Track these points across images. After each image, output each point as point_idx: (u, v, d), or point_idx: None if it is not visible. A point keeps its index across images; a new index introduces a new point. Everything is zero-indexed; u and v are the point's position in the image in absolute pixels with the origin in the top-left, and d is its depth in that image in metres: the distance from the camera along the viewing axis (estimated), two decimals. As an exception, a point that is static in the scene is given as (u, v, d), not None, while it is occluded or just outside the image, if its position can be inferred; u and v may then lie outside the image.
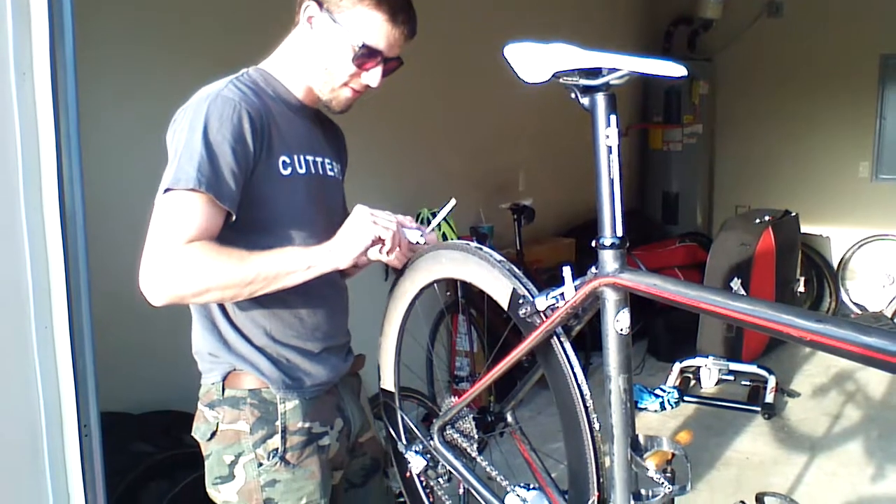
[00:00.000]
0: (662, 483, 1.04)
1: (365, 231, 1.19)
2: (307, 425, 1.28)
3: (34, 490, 1.39)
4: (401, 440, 1.50)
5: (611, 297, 1.02)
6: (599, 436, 1.06)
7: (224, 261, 1.12)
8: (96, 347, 1.42)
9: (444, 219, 3.13)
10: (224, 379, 1.27)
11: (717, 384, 3.93)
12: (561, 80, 1.02)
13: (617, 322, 1.02)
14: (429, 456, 1.43)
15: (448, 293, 3.34)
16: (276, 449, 1.25)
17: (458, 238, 2.87)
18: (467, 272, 1.25)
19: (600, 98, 1.00)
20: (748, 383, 3.86)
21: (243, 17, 2.54)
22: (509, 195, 3.95)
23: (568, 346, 1.09)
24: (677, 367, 3.94)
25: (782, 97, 5.47)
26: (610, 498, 1.06)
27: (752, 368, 3.90)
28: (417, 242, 1.29)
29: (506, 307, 1.17)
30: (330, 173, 1.36)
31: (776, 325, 0.81)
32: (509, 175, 4.28)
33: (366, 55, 1.23)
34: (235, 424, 1.26)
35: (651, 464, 1.04)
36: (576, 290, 1.06)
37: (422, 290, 1.37)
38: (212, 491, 1.30)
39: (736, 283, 4.00)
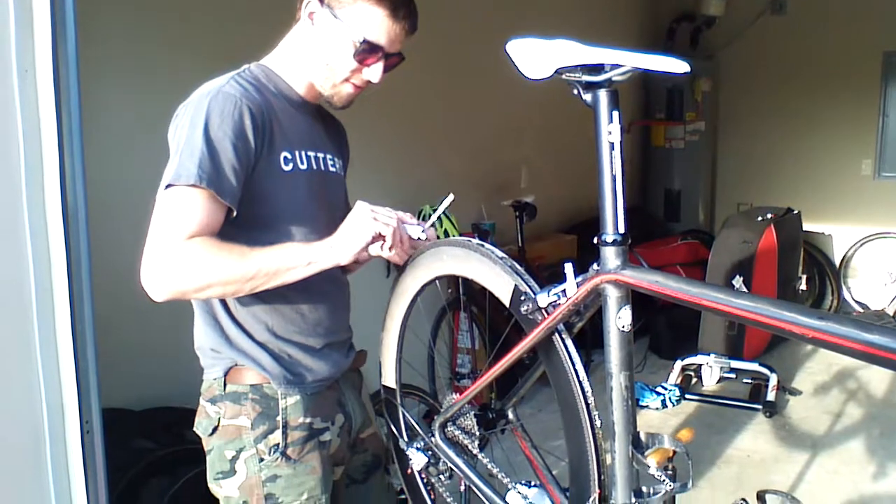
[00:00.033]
0: (663, 480, 1.04)
1: (365, 227, 1.19)
2: (308, 421, 1.29)
3: (36, 486, 1.39)
4: (402, 437, 1.50)
5: (613, 294, 1.02)
6: (601, 433, 1.06)
7: (225, 257, 1.12)
8: (98, 344, 1.43)
9: (446, 215, 3.16)
10: (226, 374, 1.27)
11: (718, 382, 3.93)
12: (563, 77, 1.02)
13: (619, 319, 1.02)
14: (430, 453, 1.43)
15: (450, 290, 3.34)
16: (277, 444, 1.26)
17: (460, 235, 2.87)
18: (469, 269, 1.25)
19: (603, 94, 0.99)
20: (750, 381, 3.85)
21: (244, 14, 2.54)
22: (511, 192, 3.95)
23: (569, 342, 1.09)
24: (679, 364, 3.94)
25: (785, 94, 5.45)
26: (611, 495, 1.06)
27: (754, 366, 3.89)
28: (419, 238, 1.29)
29: (507, 304, 1.17)
30: (332, 169, 1.36)
31: (779, 323, 0.81)
32: (511, 172, 4.28)
33: (367, 50, 1.23)
34: (237, 420, 1.26)
35: (652, 461, 1.04)
36: (577, 286, 1.06)
37: (423, 286, 1.37)
38: (213, 486, 1.30)
39: (738, 281, 3.99)
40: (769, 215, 4.28)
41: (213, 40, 2.44)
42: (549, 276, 3.37)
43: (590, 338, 3.41)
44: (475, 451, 1.38)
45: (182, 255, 1.11)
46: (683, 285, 0.94)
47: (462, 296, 3.28)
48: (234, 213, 1.18)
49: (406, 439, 1.49)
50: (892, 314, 4.86)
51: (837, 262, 5.31)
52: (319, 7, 1.23)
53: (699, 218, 5.69)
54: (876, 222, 5.21)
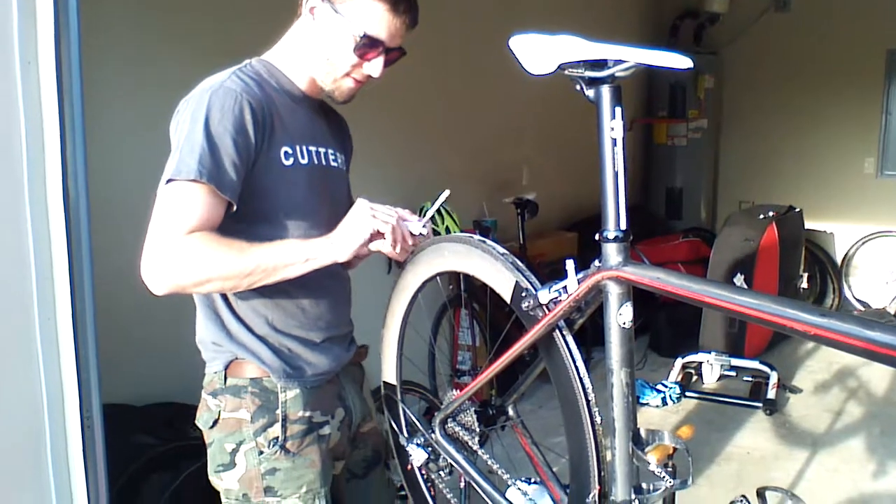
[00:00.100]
0: (663, 477, 1.04)
1: (364, 225, 1.19)
2: (308, 414, 1.29)
3: (37, 480, 1.39)
4: (402, 433, 1.50)
5: (614, 291, 1.02)
6: (601, 430, 1.06)
7: (224, 252, 1.13)
8: (99, 339, 1.43)
9: (448, 212, 3.15)
10: (226, 368, 1.28)
11: (718, 380, 3.93)
12: (566, 72, 1.02)
13: (620, 316, 1.02)
14: (430, 449, 1.43)
15: (451, 287, 3.34)
16: (277, 437, 1.26)
17: (462, 231, 2.87)
18: (470, 265, 1.24)
19: (605, 90, 0.99)
20: (750, 379, 3.86)
21: (246, 9, 2.54)
22: (513, 189, 3.94)
23: (570, 339, 1.09)
24: (679, 362, 3.94)
25: (788, 92, 5.44)
26: (611, 492, 1.06)
27: (755, 364, 3.89)
28: (420, 235, 1.29)
29: (508, 300, 1.17)
30: (333, 164, 1.36)
31: (781, 320, 0.80)
32: (513, 169, 4.27)
33: (367, 45, 1.23)
34: (237, 413, 1.27)
35: (652, 458, 1.04)
36: (579, 283, 1.06)
37: (424, 283, 1.37)
38: (214, 479, 1.30)
39: (739, 279, 3.99)
40: (771, 213, 4.27)
41: (216, 35, 2.44)
42: (549, 274, 3.36)
43: (590, 335, 3.41)
44: (475, 448, 1.38)
45: (182, 249, 1.11)
46: (685, 282, 0.93)
47: (463, 292, 3.28)
48: (235, 208, 1.18)
49: (406, 435, 1.49)
50: (893, 313, 4.86)
51: (839, 261, 5.30)
52: (320, 2, 1.23)
53: (701, 216, 5.68)
54: (878, 221, 5.20)
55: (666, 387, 3.68)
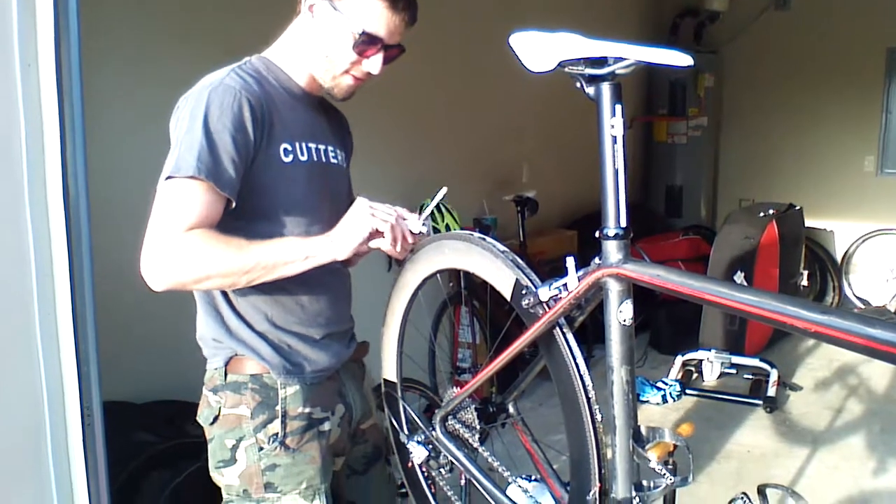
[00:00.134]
0: (664, 474, 1.04)
1: (363, 223, 1.19)
2: (308, 410, 1.29)
3: (37, 477, 1.39)
4: (403, 430, 1.50)
5: (614, 288, 1.02)
6: (601, 427, 1.06)
7: (223, 249, 1.13)
8: (99, 337, 1.43)
9: (448, 209, 3.15)
10: (226, 364, 1.28)
11: (719, 377, 3.93)
12: (566, 70, 1.02)
13: (620, 313, 1.02)
14: (431, 446, 1.43)
15: (451, 284, 3.34)
16: (276, 434, 1.26)
17: (462, 229, 2.87)
18: (470, 262, 1.24)
19: (606, 87, 0.99)
20: (750, 377, 3.86)
21: (246, 6, 2.53)
22: (513, 187, 3.94)
23: (570, 336, 1.09)
24: (679, 360, 3.94)
25: (788, 90, 5.44)
26: (611, 489, 1.06)
27: (755, 362, 3.89)
28: (420, 233, 1.29)
29: (508, 298, 1.17)
30: (333, 161, 1.36)
31: (782, 317, 0.80)
32: (513, 167, 4.27)
33: (366, 42, 1.23)
34: (237, 409, 1.27)
35: (653, 455, 1.04)
36: (579, 280, 1.06)
37: (424, 280, 1.37)
38: (214, 475, 1.31)
39: (739, 277, 3.99)
40: (771, 211, 4.27)
41: (216, 33, 2.43)
42: (550, 271, 3.36)
43: (591, 332, 3.42)
44: (476, 445, 1.38)
45: (181, 246, 1.11)
46: (686, 279, 0.93)
47: (463, 290, 3.28)
48: (234, 205, 1.18)
49: (407, 433, 1.50)
50: (893, 310, 4.86)
51: (839, 259, 5.30)
52: (319, -1, 1.23)
53: (701, 214, 5.68)
54: (878, 219, 5.20)
55: (666, 384, 3.68)
